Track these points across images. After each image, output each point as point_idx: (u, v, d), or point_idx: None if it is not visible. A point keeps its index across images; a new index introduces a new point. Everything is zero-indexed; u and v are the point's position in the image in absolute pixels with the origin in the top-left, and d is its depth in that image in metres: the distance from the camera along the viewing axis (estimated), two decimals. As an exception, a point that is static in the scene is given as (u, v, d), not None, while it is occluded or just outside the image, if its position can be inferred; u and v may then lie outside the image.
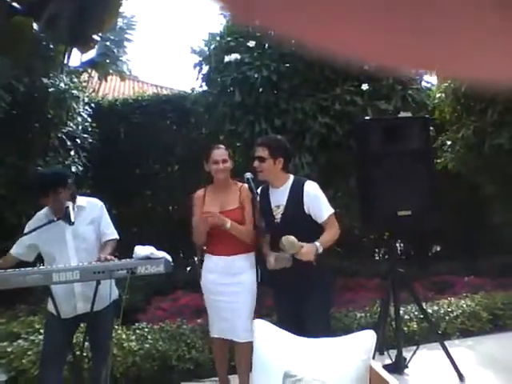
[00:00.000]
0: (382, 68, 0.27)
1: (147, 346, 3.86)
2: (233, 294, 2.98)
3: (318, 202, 2.90)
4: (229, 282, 3.00)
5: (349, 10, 0.22)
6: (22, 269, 2.63)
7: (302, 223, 2.88)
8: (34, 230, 2.77)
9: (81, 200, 3.00)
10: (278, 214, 2.95)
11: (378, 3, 0.22)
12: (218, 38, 5.37)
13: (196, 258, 6.20)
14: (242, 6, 0.23)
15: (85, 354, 3.16)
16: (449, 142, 5.63)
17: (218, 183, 3.12)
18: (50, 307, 2.84)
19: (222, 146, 3.17)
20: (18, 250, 2.93)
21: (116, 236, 3.06)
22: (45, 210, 2.96)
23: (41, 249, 2.93)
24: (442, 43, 0.24)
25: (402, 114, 4.18)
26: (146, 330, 4.11)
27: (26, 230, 2.89)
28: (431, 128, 4.40)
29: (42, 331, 3.92)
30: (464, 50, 0.25)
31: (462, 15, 0.22)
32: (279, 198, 2.96)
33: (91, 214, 3.00)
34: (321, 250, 2.77)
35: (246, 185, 3.00)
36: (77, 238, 2.91)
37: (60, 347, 2.84)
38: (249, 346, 2.87)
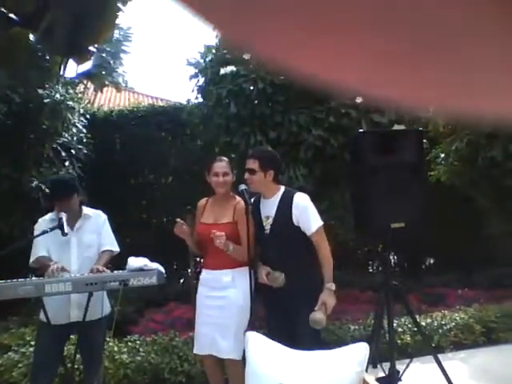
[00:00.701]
0: (380, 101, 0.26)
1: (139, 358, 3.83)
2: (218, 308, 2.95)
3: (306, 214, 2.89)
4: (216, 296, 2.98)
5: (349, 41, 0.22)
6: (14, 280, 2.62)
7: (290, 234, 2.89)
8: (44, 232, 2.77)
9: (87, 210, 3.07)
10: (267, 225, 2.95)
11: (374, 34, 0.21)
12: (213, 51, 5.41)
13: (189, 270, 6.21)
14: (238, 31, 0.23)
15: (76, 367, 3.13)
16: (442, 155, 5.66)
17: (217, 196, 3.10)
18: (42, 316, 2.84)
19: (224, 159, 3.12)
20: (41, 251, 2.90)
21: (113, 248, 3.05)
22: (50, 216, 2.99)
23: (50, 253, 2.93)
24: (449, 76, 0.24)
25: (396, 127, 4.21)
26: (138, 342, 4.08)
27: (35, 233, 2.91)
28: (425, 140, 4.43)
29: (33, 343, 3.89)
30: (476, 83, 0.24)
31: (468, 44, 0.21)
32: (269, 209, 2.97)
33: (96, 224, 3.06)
34: (334, 287, 2.85)
35: (242, 202, 2.96)
36: (81, 246, 2.96)
37: (51, 358, 2.83)
38: (236, 363, 2.85)
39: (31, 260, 2.91)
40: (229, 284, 2.97)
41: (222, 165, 3.05)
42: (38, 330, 3.05)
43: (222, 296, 2.96)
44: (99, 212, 3.16)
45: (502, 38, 0.21)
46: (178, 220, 3.07)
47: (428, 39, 0.21)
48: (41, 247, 2.90)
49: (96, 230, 3.05)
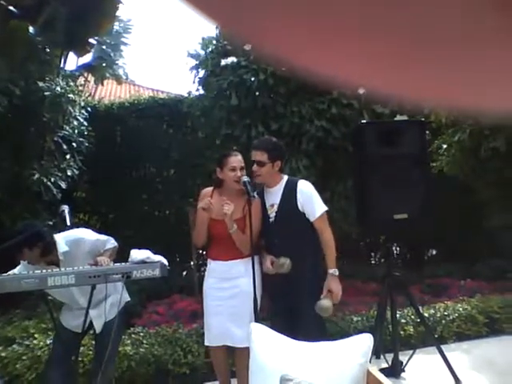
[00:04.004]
0: (378, 95, 0.26)
1: (143, 350, 3.84)
2: (230, 298, 2.96)
3: (311, 200, 2.93)
4: (226, 287, 2.98)
5: (345, 33, 0.21)
6: (17, 273, 2.61)
7: (295, 221, 2.92)
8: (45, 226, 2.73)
9: (61, 246, 2.80)
10: (272, 213, 2.97)
11: (376, 30, 0.21)
12: (214, 42, 5.38)
13: (192, 263, 6.22)
14: (238, 26, 0.22)
15: (80, 359, 3.14)
16: (445, 146, 5.64)
17: (230, 191, 3.01)
18: (66, 323, 2.91)
19: (238, 153, 3.06)
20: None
21: (111, 245, 2.95)
22: (19, 267, 2.80)
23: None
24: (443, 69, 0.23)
25: (399, 118, 4.19)
26: (142, 334, 4.09)
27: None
28: (427, 131, 4.41)
29: (36, 336, 3.91)
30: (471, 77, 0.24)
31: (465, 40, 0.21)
32: (274, 197, 2.99)
33: (78, 251, 2.84)
34: (337, 272, 2.89)
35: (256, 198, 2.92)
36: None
37: (69, 349, 2.87)
38: (249, 351, 2.86)
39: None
40: (241, 274, 2.97)
41: (238, 159, 2.99)
42: (56, 329, 3.04)
43: (234, 285, 2.97)
44: (74, 236, 2.88)
45: (502, 36, 0.21)
46: (208, 199, 2.93)
47: (428, 37, 0.21)
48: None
49: (82, 255, 2.84)
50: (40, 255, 2.72)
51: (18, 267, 2.81)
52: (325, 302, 2.76)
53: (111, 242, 2.97)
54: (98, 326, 2.91)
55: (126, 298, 3.07)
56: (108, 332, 2.86)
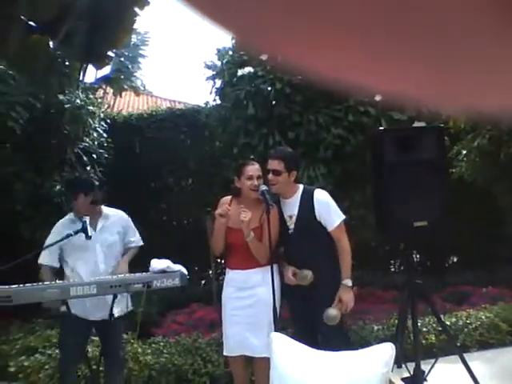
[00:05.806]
0: (391, 99, 0.26)
1: (163, 359, 3.85)
2: (249, 307, 2.96)
3: (328, 209, 2.93)
4: (245, 296, 2.98)
5: (353, 38, 0.22)
6: (40, 283, 2.66)
7: (314, 231, 2.92)
8: (69, 236, 2.87)
9: (106, 210, 3.25)
10: (291, 224, 2.97)
11: (381, 32, 0.21)
12: (230, 52, 5.42)
13: (211, 272, 6.24)
14: (253, 36, 0.23)
15: (101, 369, 3.17)
16: (464, 151, 5.57)
17: (248, 200, 3.01)
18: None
19: (255, 162, 3.09)
20: (51, 260, 3.06)
21: (140, 243, 3.35)
22: (68, 216, 3.16)
23: (65, 254, 3.06)
24: (458, 75, 0.24)
25: (416, 124, 4.15)
26: (162, 343, 4.11)
27: (53, 236, 3.05)
28: (446, 137, 4.36)
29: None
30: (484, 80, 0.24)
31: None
32: (291, 208, 2.98)
33: (117, 224, 3.22)
34: (350, 283, 2.88)
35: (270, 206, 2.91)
36: (104, 246, 3.11)
37: (76, 343, 3.01)
38: (268, 361, 2.84)
39: (39, 261, 3.05)
40: (259, 283, 2.97)
41: (255, 168, 3.02)
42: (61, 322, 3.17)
43: (252, 294, 2.96)
44: (118, 212, 3.32)
45: (502, 36, 0.21)
46: (226, 206, 2.97)
47: (436, 38, 0.21)
48: (52, 254, 3.04)
49: (117, 231, 3.19)
50: (90, 203, 3.09)
51: (65, 217, 3.16)
52: (332, 311, 2.78)
53: (139, 237, 3.32)
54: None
55: (130, 306, 3.20)
56: (111, 335, 3.06)
